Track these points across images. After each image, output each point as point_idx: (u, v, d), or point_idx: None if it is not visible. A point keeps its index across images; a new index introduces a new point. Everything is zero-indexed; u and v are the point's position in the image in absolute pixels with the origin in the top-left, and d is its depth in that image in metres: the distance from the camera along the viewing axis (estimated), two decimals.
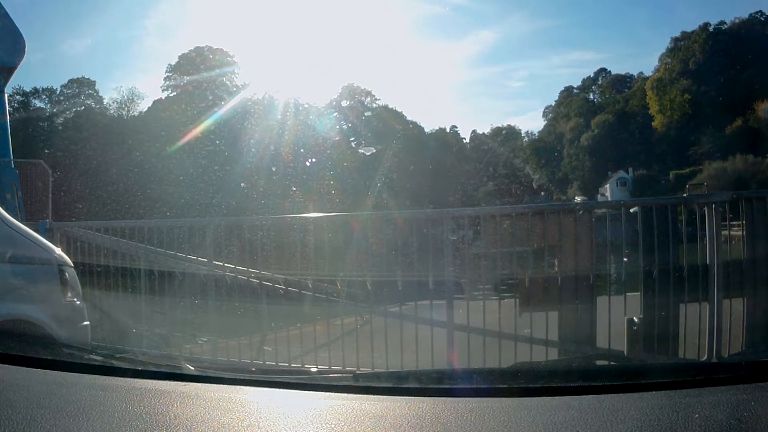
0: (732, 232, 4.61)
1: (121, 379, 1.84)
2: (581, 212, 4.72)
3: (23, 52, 12.69)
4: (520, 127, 73.09)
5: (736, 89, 52.66)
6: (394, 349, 4.67)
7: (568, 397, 1.53)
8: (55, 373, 1.88)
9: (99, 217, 22.69)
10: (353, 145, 47.35)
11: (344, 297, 5.95)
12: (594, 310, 4.43)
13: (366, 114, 54.16)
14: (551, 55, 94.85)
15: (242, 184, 27.94)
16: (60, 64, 70.24)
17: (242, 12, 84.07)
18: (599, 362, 3.99)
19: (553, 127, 67.21)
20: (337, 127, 46.59)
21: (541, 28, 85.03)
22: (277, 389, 1.78)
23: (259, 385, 1.84)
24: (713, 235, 4.31)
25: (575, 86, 68.44)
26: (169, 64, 52.53)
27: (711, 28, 58.47)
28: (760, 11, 57.40)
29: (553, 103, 69.55)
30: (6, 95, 13.43)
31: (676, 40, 61.01)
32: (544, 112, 71.11)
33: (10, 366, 1.90)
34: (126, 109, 51.44)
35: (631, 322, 4.38)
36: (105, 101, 53.63)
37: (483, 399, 1.57)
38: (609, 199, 43.81)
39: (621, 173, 55.15)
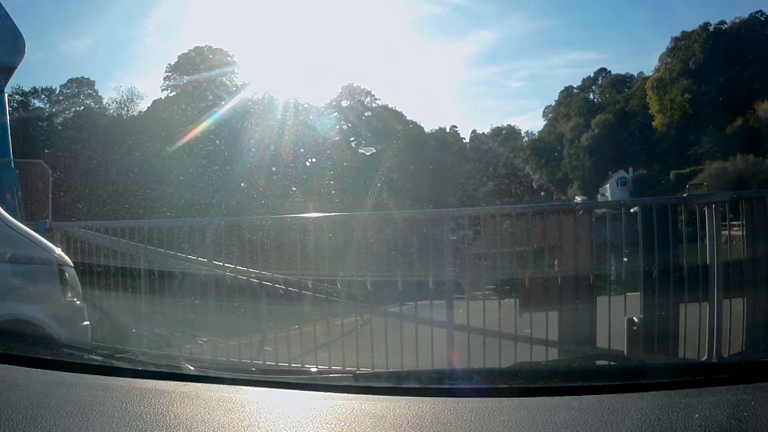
0: (732, 232, 4.61)
1: (121, 379, 1.84)
2: (581, 212, 4.72)
3: (23, 52, 12.70)
4: (520, 127, 73.16)
5: (736, 89, 52.65)
6: (394, 349, 4.67)
7: (568, 397, 1.53)
8: (55, 373, 1.88)
9: (99, 217, 22.71)
10: (353, 145, 47.35)
11: (344, 297, 5.95)
12: (594, 310, 4.43)
13: (366, 114, 54.15)
14: (551, 55, 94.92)
15: (242, 184, 27.93)
16: (60, 64, 70.31)
17: (242, 12, 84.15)
18: (599, 362, 3.98)
19: (553, 127, 67.21)
20: (337, 127, 46.60)
21: (541, 28, 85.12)
22: (277, 389, 1.78)
23: (259, 385, 1.84)
24: (713, 235, 4.31)
25: (575, 86, 68.54)
26: (169, 64, 52.61)
27: (711, 28, 58.50)
28: (761, 11, 57.48)
29: (553, 103, 69.65)
30: (6, 95, 13.43)
31: (676, 39, 61.08)
32: (544, 112, 71.21)
33: (10, 366, 1.90)
34: (125, 109, 51.49)
35: (631, 322, 4.38)
36: (104, 101, 53.70)
37: (483, 399, 1.57)
38: (609, 199, 43.81)
39: (621, 173, 55.16)
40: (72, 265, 4.37)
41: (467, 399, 1.56)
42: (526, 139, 69.50)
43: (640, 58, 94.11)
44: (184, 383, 1.77)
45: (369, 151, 42.63)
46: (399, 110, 59.55)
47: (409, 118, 60.32)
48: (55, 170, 18.08)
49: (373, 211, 13.84)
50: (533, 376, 1.82)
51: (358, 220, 5.82)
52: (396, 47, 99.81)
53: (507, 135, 67.42)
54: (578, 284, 4.47)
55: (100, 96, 54.37)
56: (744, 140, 46.41)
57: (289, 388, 1.77)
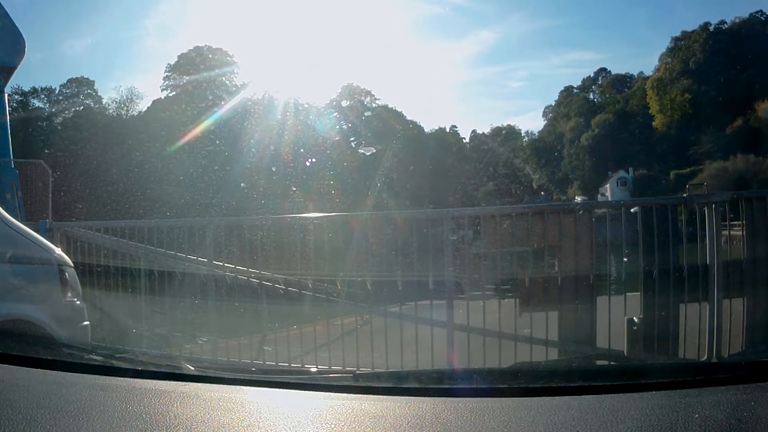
0: (732, 232, 4.61)
1: (121, 379, 1.84)
2: (581, 212, 4.72)
3: (23, 52, 12.70)
4: (520, 127, 73.11)
5: (736, 89, 52.64)
6: (394, 349, 4.67)
7: (568, 397, 1.53)
8: (55, 373, 1.88)
9: (99, 217, 22.71)
10: (353, 145, 47.35)
11: (344, 297, 5.95)
12: (594, 310, 4.43)
13: (366, 114, 54.15)
14: (551, 55, 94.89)
15: (242, 184, 27.94)
16: (59, 64, 70.25)
17: (242, 12, 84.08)
18: (599, 362, 3.98)
19: (553, 127, 67.20)
20: (337, 127, 46.60)
21: (541, 28, 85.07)
22: (277, 389, 1.78)
23: (259, 385, 1.84)
24: (713, 235, 4.31)
25: (575, 86, 68.53)
26: (169, 64, 52.58)
27: (711, 28, 58.49)
28: (761, 11, 57.44)
29: (553, 103, 69.63)
30: (6, 95, 13.43)
31: (676, 39, 61.06)
32: (544, 112, 71.17)
33: (10, 366, 1.90)
34: (125, 108, 51.49)
35: (631, 322, 4.38)
36: (104, 101, 53.69)
37: (483, 399, 1.57)
38: (609, 199, 43.81)
39: (621, 173, 55.15)
40: (72, 265, 4.37)
41: (467, 399, 1.56)
42: (526, 139, 69.54)
43: (640, 58, 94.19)
44: (184, 383, 1.77)
45: (369, 151, 42.63)
46: (399, 110, 59.60)
47: (409, 118, 60.38)
48: (55, 170, 18.09)
49: (373, 211, 13.84)
50: (533, 376, 1.82)
51: (358, 220, 5.82)
52: (396, 47, 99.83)
53: (507, 135, 67.41)
54: (578, 284, 4.47)
55: (100, 96, 54.43)
56: (744, 140, 46.39)
57: (289, 388, 1.77)
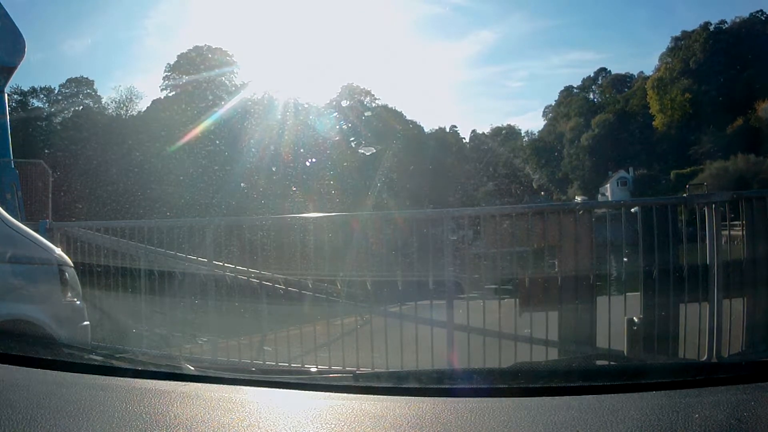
0: (732, 232, 4.61)
1: (121, 379, 1.84)
2: (581, 212, 4.72)
3: (23, 52, 12.70)
4: (520, 127, 73.15)
5: (736, 89, 52.64)
6: (394, 349, 4.67)
7: (568, 397, 1.53)
8: (55, 373, 1.88)
9: (99, 217, 22.71)
10: (353, 145, 47.36)
11: (344, 297, 5.95)
12: (594, 310, 4.43)
13: (366, 114, 54.15)
14: (551, 55, 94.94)
15: (242, 184, 27.94)
16: (59, 63, 70.33)
17: (242, 12, 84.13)
18: (599, 362, 3.98)
19: (553, 126, 67.20)
20: (337, 127, 46.60)
21: (541, 28, 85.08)
22: (277, 389, 1.78)
23: (259, 385, 1.84)
24: (713, 235, 4.31)
25: (575, 86, 68.53)
26: (168, 64, 52.59)
27: (711, 28, 58.50)
28: (761, 10, 57.43)
29: (553, 103, 69.64)
30: (6, 95, 13.43)
31: (676, 39, 61.07)
32: (544, 111, 71.18)
33: (10, 366, 1.90)
34: (125, 108, 51.50)
35: (631, 322, 4.38)
36: (103, 101, 53.70)
37: (483, 399, 1.57)
38: (609, 198, 43.81)
39: (621, 173, 55.14)
40: (72, 265, 4.37)
41: (467, 399, 1.56)
42: (526, 139, 69.55)
43: (640, 58, 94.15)
44: (184, 383, 1.77)
45: (369, 151, 42.63)
46: (399, 110, 59.60)
47: (409, 118, 60.39)
48: (55, 170, 18.08)
49: (373, 211, 13.84)
50: (533, 376, 1.82)
51: (358, 220, 5.82)
52: (396, 47, 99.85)
53: (507, 135, 67.42)
54: (578, 284, 4.47)
55: (99, 96, 54.47)
56: (745, 140, 46.40)
57: (289, 388, 1.77)
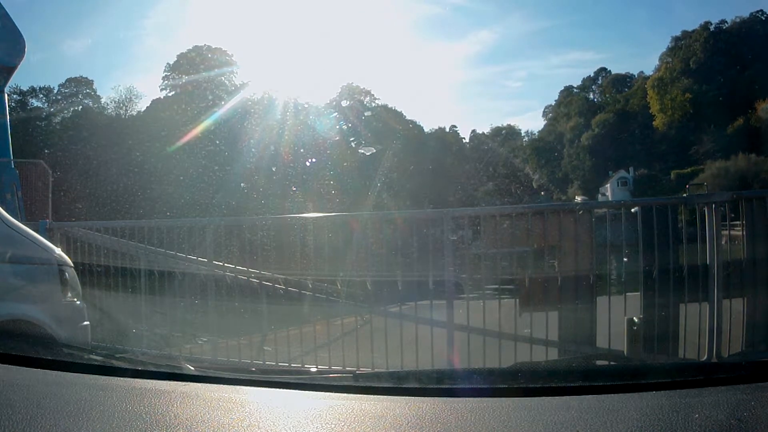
0: (732, 232, 4.61)
1: (121, 379, 1.83)
2: (581, 212, 4.72)
3: (23, 52, 12.69)
4: (520, 127, 73.22)
5: (737, 88, 52.66)
6: (394, 349, 4.67)
7: (568, 397, 1.53)
8: (55, 373, 1.87)
9: (99, 217, 22.73)
10: (353, 145, 47.37)
11: (344, 297, 5.94)
12: (594, 310, 4.43)
13: (366, 114, 54.16)
14: (551, 55, 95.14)
15: (242, 184, 27.96)
16: (58, 63, 70.41)
17: (241, 11, 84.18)
18: (599, 362, 3.99)
19: (553, 126, 67.20)
20: (337, 127, 46.58)
21: (541, 28, 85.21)
22: (277, 389, 1.78)
23: (259, 385, 1.84)
24: (713, 235, 4.30)
25: (575, 86, 68.53)
26: (168, 64, 52.64)
27: (712, 28, 58.51)
28: (761, 10, 57.45)
29: (553, 103, 69.65)
30: (6, 95, 13.43)
31: (676, 39, 61.10)
32: (544, 111, 71.21)
33: (10, 366, 1.90)
34: (124, 108, 51.50)
35: (631, 322, 4.38)
36: (103, 101, 53.70)
37: (483, 399, 1.57)
38: (610, 198, 43.82)
39: (622, 173, 55.13)
40: (72, 265, 4.37)
41: (467, 399, 1.56)
42: (526, 139, 69.58)
43: (640, 57, 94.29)
44: (184, 383, 1.77)
45: (369, 151, 42.65)
46: (399, 110, 59.65)
47: (408, 117, 60.44)
48: (55, 170, 18.09)
49: (373, 211, 13.83)
50: (533, 376, 1.82)
51: (358, 220, 5.82)
52: (396, 47, 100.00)
53: (507, 135, 67.46)
54: (578, 284, 4.47)
55: (99, 96, 54.48)
56: (745, 140, 46.41)
57: (289, 388, 1.77)
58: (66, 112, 52.31)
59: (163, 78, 52.44)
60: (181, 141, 31.83)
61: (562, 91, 69.21)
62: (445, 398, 1.62)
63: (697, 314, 4.21)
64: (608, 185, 54.62)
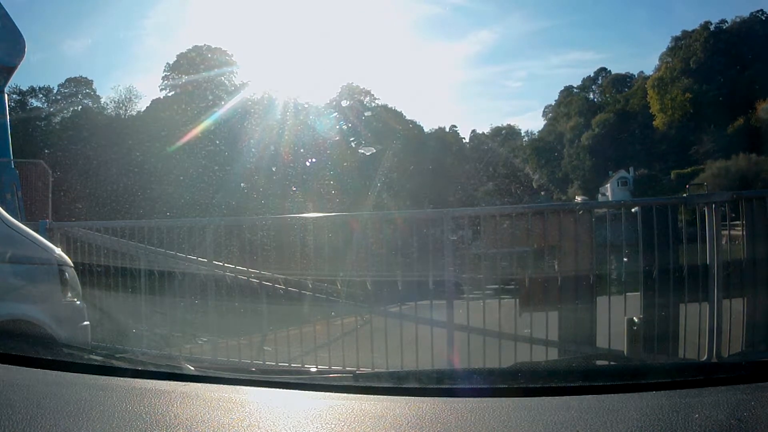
0: (733, 232, 4.61)
1: (121, 379, 1.84)
2: (581, 212, 4.72)
3: (23, 52, 12.69)
4: (519, 127, 73.22)
5: (737, 88, 52.66)
6: (394, 349, 4.67)
7: (568, 397, 1.53)
8: (55, 373, 1.87)
9: (99, 217, 22.73)
10: (353, 145, 47.36)
11: (344, 297, 5.94)
12: (594, 310, 4.43)
13: (365, 114, 54.16)
14: (550, 55, 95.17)
15: (242, 184, 27.96)
16: (58, 63, 70.42)
17: (241, 11, 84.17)
18: (599, 362, 3.99)
19: (553, 126, 67.19)
20: (337, 127, 46.58)
21: (541, 28, 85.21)
22: (277, 389, 1.78)
23: (259, 385, 1.84)
24: (713, 235, 4.30)
25: (575, 86, 68.52)
26: (168, 64, 52.62)
27: (712, 27, 58.51)
28: (761, 10, 57.46)
29: (553, 103, 69.65)
30: (6, 95, 13.42)
31: (676, 39, 61.10)
32: (544, 111, 71.20)
33: (10, 366, 1.90)
34: (124, 108, 51.50)
35: (631, 322, 4.38)
36: (102, 101, 53.70)
37: (483, 399, 1.57)
38: (610, 198, 43.83)
39: (622, 173, 55.12)
40: (72, 265, 4.37)
41: (467, 399, 1.56)
42: (526, 139, 69.58)
43: (640, 57, 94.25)
44: (184, 383, 1.77)
45: (369, 151, 42.65)
46: (399, 110, 59.66)
47: (408, 117, 60.45)
48: (55, 170, 18.08)
49: (373, 211, 13.83)
50: (533, 376, 1.82)
51: (358, 220, 5.82)
52: (396, 47, 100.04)
53: (507, 135, 67.46)
54: (578, 284, 4.47)
55: (98, 95, 54.48)
56: (745, 139, 46.40)
57: (289, 388, 1.77)
58: (66, 112, 52.35)
59: (163, 78, 52.51)
60: (181, 141, 31.83)
61: (562, 91, 69.29)
62: (445, 398, 1.62)
63: (697, 314, 4.21)
64: (608, 185, 54.61)
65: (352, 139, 49.41)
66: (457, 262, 5.04)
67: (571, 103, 66.07)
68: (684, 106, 56.44)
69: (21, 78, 53.07)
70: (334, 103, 53.70)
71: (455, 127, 69.04)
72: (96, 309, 5.51)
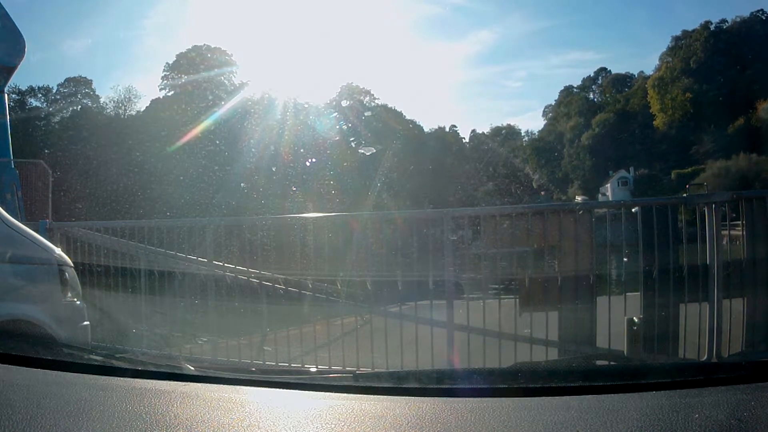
0: (733, 232, 4.61)
1: (121, 379, 1.83)
2: (581, 212, 4.72)
3: (23, 52, 12.68)
4: (519, 127, 73.24)
5: (737, 88, 52.67)
6: (394, 349, 4.67)
7: (568, 397, 1.53)
8: (55, 373, 1.87)
9: (99, 217, 22.73)
10: (353, 145, 47.37)
11: (344, 297, 5.94)
12: (594, 310, 4.43)
13: (365, 114, 54.16)
14: (550, 55, 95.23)
15: (242, 184, 27.96)
16: (57, 63, 70.43)
17: (241, 11, 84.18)
18: (599, 362, 3.99)
19: (553, 126, 67.20)
20: (337, 127, 46.58)
21: (541, 28, 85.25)
22: (277, 389, 1.78)
23: (259, 385, 1.84)
24: (713, 235, 4.30)
25: (575, 86, 68.53)
26: (167, 63, 52.62)
27: (712, 27, 58.53)
28: (761, 10, 57.48)
29: (553, 103, 69.67)
30: (6, 95, 13.42)
31: (677, 39, 61.12)
32: (544, 111, 71.23)
33: (10, 366, 1.90)
34: (123, 108, 51.51)
35: (631, 322, 4.38)
36: (102, 100, 53.69)
37: (483, 399, 1.57)
38: (610, 198, 43.83)
39: (622, 172, 55.12)
40: (72, 265, 4.37)
41: (467, 399, 1.56)
42: (526, 138, 69.60)
43: (640, 57, 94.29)
44: (184, 383, 1.77)
45: (369, 151, 42.66)
46: (398, 110, 59.70)
47: (408, 117, 60.49)
48: (55, 170, 18.08)
49: (373, 211, 13.83)
50: (533, 376, 1.82)
51: (358, 220, 5.81)
52: (396, 47, 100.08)
53: (507, 135, 67.47)
54: (578, 284, 4.47)
55: (98, 95, 54.48)
56: (746, 139, 46.41)
57: (289, 388, 1.77)
58: (65, 112, 52.37)
59: (163, 78, 52.52)
60: (181, 141, 31.83)
61: (562, 91, 69.30)
62: (445, 398, 1.62)
63: (697, 314, 4.21)
64: (608, 185, 54.61)
65: (352, 139, 49.43)
66: (457, 262, 5.04)
67: (571, 103, 66.07)
68: (684, 106, 56.44)
69: (21, 78, 53.13)
70: (334, 103, 53.76)
71: (455, 127, 69.15)
72: (96, 309, 5.51)
